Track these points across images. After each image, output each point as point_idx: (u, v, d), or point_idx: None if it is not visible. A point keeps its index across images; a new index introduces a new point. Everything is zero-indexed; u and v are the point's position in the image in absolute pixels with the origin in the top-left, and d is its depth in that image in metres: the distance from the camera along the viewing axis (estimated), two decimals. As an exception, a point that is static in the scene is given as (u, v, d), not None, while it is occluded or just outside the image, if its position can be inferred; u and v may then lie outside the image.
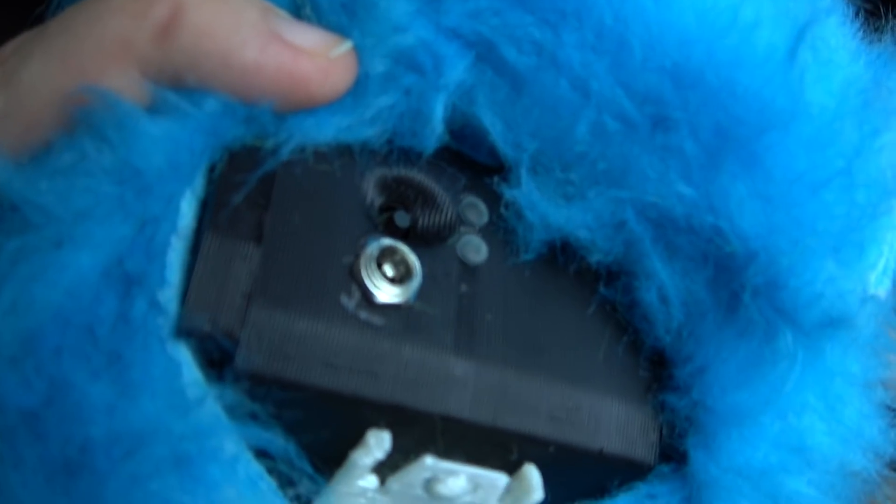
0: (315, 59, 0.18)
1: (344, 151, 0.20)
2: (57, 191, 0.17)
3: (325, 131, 0.19)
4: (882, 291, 0.20)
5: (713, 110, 0.19)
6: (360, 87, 0.19)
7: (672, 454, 0.22)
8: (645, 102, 0.20)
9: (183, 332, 0.17)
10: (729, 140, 0.19)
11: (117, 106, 0.17)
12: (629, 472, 0.22)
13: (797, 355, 0.20)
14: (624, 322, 0.22)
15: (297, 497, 0.18)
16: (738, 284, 0.20)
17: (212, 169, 0.18)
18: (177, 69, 0.17)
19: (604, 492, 0.23)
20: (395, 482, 0.19)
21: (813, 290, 0.20)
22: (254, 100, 0.18)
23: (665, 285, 0.21)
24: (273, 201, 0.18)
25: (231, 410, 0.17)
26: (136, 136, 0.16)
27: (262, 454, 0.18)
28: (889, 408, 0.23)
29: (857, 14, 0.22)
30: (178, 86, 0.18)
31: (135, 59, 0.17)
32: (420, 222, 0.21)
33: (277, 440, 0.17)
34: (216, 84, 0.17)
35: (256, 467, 0.18)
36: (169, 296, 0.17)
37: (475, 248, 0.21)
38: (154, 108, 0.17)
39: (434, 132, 0.21)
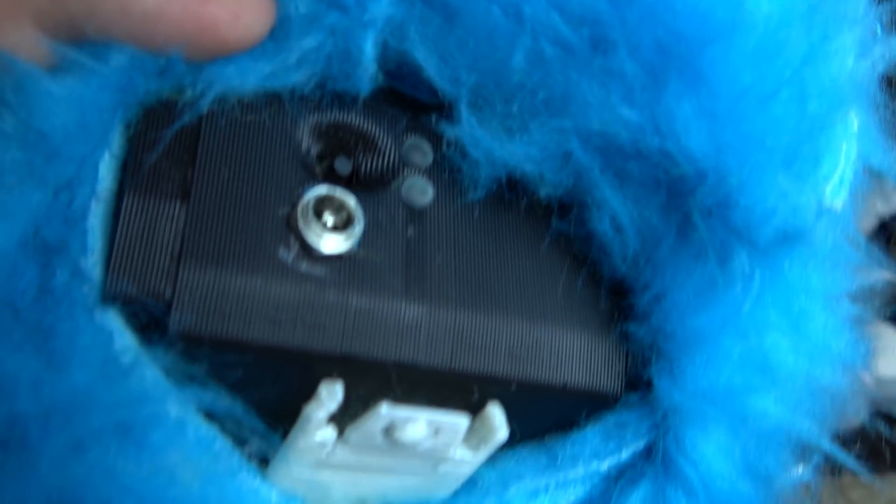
0: (223, 0, 0.17)
1: (272, 100, 0.19)
2: None
3: (248, 79, 0.18)
4: (839, 203, 0.20)
5: (652, 27, 0.18)
6: (281, 30, 0.19)
7: (638, 383, 0.22)
8: (581, 24, 0.19)
9: (109, 298, 0.16)
10: (670, 57, 0.19)
11: (14, 66, 0.16)
12: (596, 403, 0.22)
13: (754, 274, 0.20)
14: (580, 255, 0.22)
15: (251, 455, 0.18)
16: (689, 207, 0.20)
17: (129, 127, 0.17)
18: (73, 19, 0.16)
19: (572, 424, 0.23)
20: (353, 433, 0.19)
21: (765, 207, 0.19)
22: (161, 49, 0.17)
23: (618, 214, 0.21)
24: (198, 156, 0.18)
25: (170, 374, 0.16)
26: (38, 98, 0.16)
27: (209, 416, 0.17)
28: (857, 320, 0.23)
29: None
30: (79, 39, 0.17)
31: (28, 11, 0.16)
32: (362, 168, 0.21)
33: (222, 400, 0.17)
34: (118, 34, 0.17)
35: (208, 429, 0.18)
36: (92, 262, 0.16)
37: (421, 191, 0.21)
38: (56, 67, 0.16)
39: (367, 72, 0.20)
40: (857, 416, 0.23)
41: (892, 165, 0.21)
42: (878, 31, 0.20)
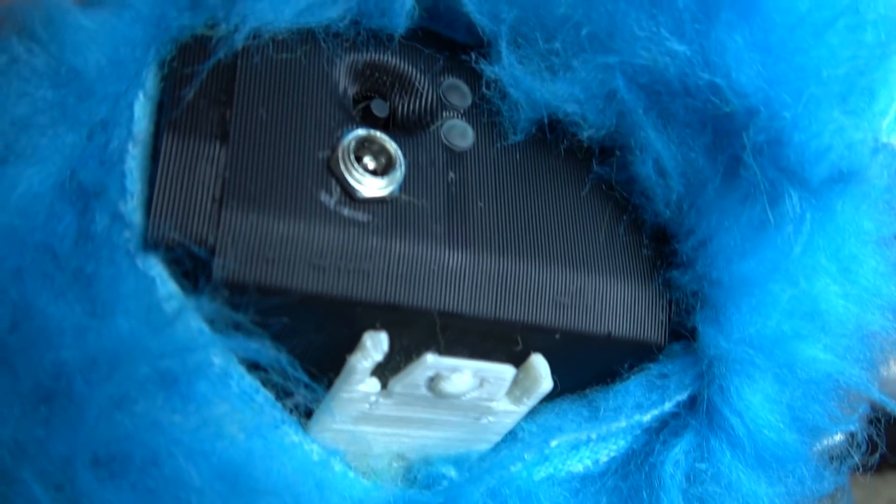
0: None
1: (307, 37, 0.18)
2: None
3: (282, 14, 0.17)
4: (895, 140, 0.19)
5: None
6: (316, -38, 0.18)
7: (682, 331, 0.22)
8: None
9: (151, 243, 0.15)
10: None
11: None
12: (640, 353, 0.21)
13: (805, 216, 0.19)
14: (622, 200, 0.21)
15: (296, 406, 0.18)
16: (738, 146, 0.19)
17: (163, 66, 0.17)
18: None
19: (615, 375, 0.22)
20: (397, 384, 0.18)
21: (820, 144, 0.18)
22: None
23: (661, 156, 0.20)
24: (235, 96, 0.17)
25: (214, 323, 0.16)
26: (69, 32, 0.15)
27: (254, 366, 0.17)
28: None
29: None
30: None
31: None
32: (399, 110, 0.20)
33: (267, 350, 0.16)
34: None
35: (250, 381, 0.17)
36: (132, 206, 0.15)
37: (461, 133, 0.20)
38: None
39: (404, 9, 0.19)
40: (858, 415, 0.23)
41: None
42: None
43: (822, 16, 0.18)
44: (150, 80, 0.16)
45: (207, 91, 0.17)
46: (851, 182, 0.19)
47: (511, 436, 0.22)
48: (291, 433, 0.18)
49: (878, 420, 0.22)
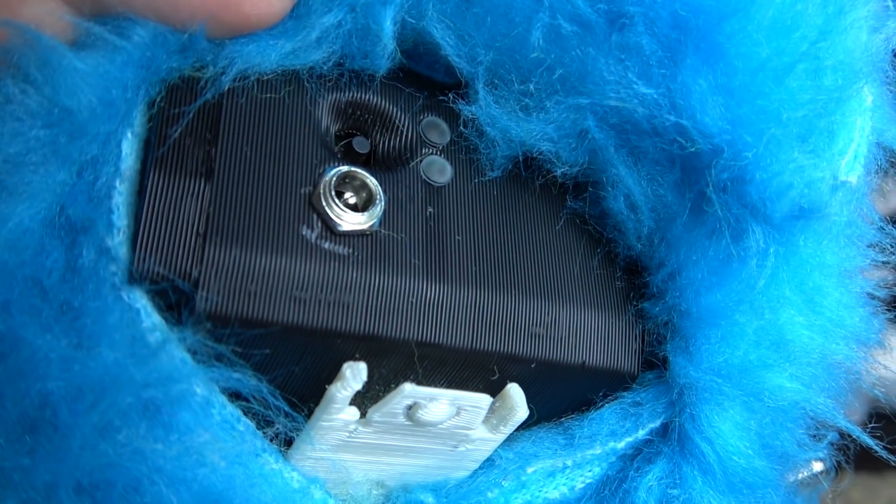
0: None
1: (291, 78, 0.19)
2: None
3: (268, 57, 0.18)
4: (854, 178, 0.20)
5: (669, 1, 0.18)
6: (302, 8, 0.18)
7: (654, 360, 0.22)
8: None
9: (136, 277, 0.16)
10: (688, 32, 0.19)
11: (39, 41, 0.16)
12: (613, 382, 0.22)
13: (768, 251, 0.20)
14: (595, 233, 0.22)
15: (277, 435, 0.18)
16: (704, 183, 0.20)
17: (152, 105, 0.17)
18: None
19: (590, 404, 0.23)
20: (375, 413, 0.19)
21: (781, 182, 0.19)
22: (184, 25, 0.17)
23: (632, 192, 0.21)
24: (220, 134, 0.18)
25: (196, 354, 0.16)
26: (62, 74, 0.15)
27: (235, 396, 0.17)
28: (870, 295, 0.23)
29: None
30: (103, 14, 0.16)
31: None
32: (380, 147, 0.20)
33: (248, 380, 0.16)
34: (140, 9, 0.16)
35: (232, 410, 0.17)
36: (118, 241, 0.16)
37: (439, 169, 0.21)
38: (79, 42, 0.16)
39: (385, 51, 0.20)
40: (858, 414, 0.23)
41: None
42: (891, 4, 0.20)
43: (782, 61, 0.19)
44: (138, 119, 0.17)
45: (193, 130, 0.17)
46: (812, 218, 0.20)
47: (488, 463, 0.22)
48: (272, 461, 0.18)
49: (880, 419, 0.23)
